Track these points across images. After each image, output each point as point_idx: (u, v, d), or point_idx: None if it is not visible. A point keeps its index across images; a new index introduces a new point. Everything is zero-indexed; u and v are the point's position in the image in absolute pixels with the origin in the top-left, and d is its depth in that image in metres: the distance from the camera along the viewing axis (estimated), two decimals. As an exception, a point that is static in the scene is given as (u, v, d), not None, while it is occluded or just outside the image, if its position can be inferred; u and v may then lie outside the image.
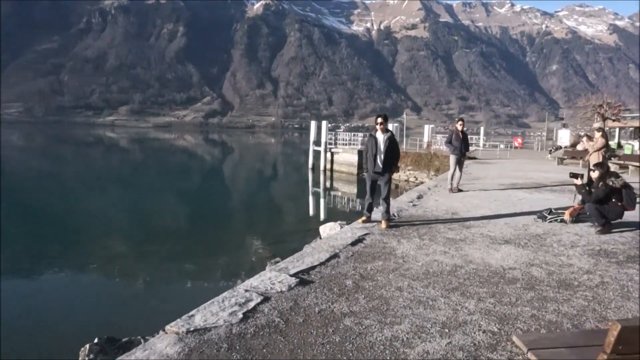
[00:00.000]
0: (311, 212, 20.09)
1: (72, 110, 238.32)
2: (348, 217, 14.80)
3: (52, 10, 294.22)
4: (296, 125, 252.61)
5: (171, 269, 10.67)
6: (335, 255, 5.30)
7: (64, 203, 21.15)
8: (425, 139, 31.01)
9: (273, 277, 4.41)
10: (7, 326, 7.15)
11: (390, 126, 7.97)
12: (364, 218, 7.18)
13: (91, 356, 3.83)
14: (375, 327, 3.43)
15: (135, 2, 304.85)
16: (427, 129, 32.58)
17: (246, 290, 4.06)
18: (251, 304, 3.76)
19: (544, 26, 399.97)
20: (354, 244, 5.85)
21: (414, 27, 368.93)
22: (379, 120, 6.83)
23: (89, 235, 14.39)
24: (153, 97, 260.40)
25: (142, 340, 4.09)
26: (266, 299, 3.92)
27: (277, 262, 8.32)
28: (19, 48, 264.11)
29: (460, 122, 11.19)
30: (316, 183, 27.58)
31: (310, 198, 23.64)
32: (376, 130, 6.89)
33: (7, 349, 6.39)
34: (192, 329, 3.29)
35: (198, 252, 12.15)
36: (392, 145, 6.84)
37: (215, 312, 3.56)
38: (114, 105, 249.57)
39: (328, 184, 27.09)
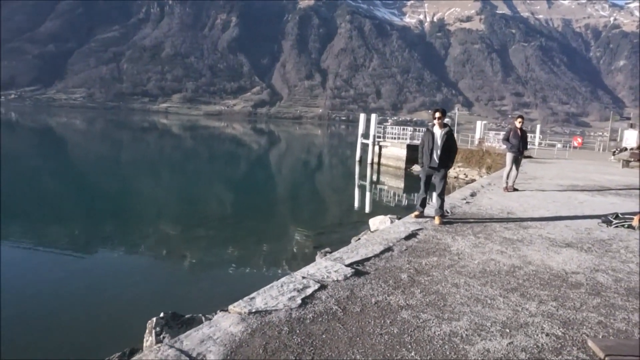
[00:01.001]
0: (356, 204, 20.11)
1: (130, 97, 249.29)
2: (395, 211, 14.71)
3: (115, 1, 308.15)
4: (343, 118, 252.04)
5: (224, 253, 11.04)
6: (389, 249, 5.29)
7: (122, 185, 22.31)
8: (477, 135, 30.10)
9: (329, 266, 4.48)
10: (79, 298, 7.69)
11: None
12: (416, 213, 7.11)
13: (157, 329, 4.08)
14: (433, 322, 3.42)
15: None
16: (479, 125, 31.60)
17: (303, 277, 4.15)
18: (309, 291, 3.84)
19: (612, 19, 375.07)
20: (407, 238, 5.82)
21: (469, 19, 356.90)
22: (437, 114, 6.73)
23: (146, 217, 15.12)
24: (205, 86, 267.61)
25: (202, 318, 4.30)
26: (323, 286, 3.99)
27: (328, 251, 8.44)
28: (83, 37, 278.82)
29: (519, 120, 10.79)
30: (363, 176, 27.52)
31: (356, 191, 23.65)
32: (433, 124, 6.79)
33: (81, 319, 6.88)
34: (253, 310, 3.41)
35: (248, 238, 12.49)
36: (450, 141, 6.71)
37: (275, 296, 3.68)
38: (168, 93, 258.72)
39: (375, 178, 26.94)
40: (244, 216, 15.96)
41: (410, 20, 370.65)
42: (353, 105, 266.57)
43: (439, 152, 6.70)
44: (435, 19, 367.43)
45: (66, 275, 9.05)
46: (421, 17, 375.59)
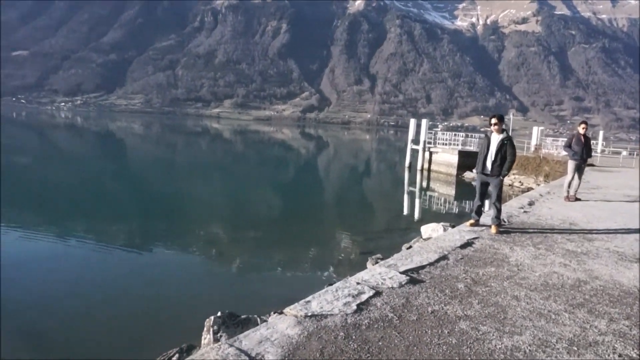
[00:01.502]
0: (405, 211, 19.83)
1: (184, 102, 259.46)
2: (446, 219, 14.36)
3: (171, 10, 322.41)
4: (392, 123, 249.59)
5: (274, 255, 11.21)
6: (444, 257, 5.18)
7: (176, 187, 23.21)
8: (533, 141, 28.85)
9: (383, 273, 4.44)
10: (138, 294, 8.07)
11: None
12: (472, 221, 6.91)
13: (215, 327, 4.21)
14: (493, 335, 3.30)
15: (243, 1, 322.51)
16: (535, 130, 30.28)
17: (358, 283, 4.14)
18: (364, 297, 3.83)
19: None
20: (463, 247, 5.67)
21: (524, 21, 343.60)
22: (493, 120, 6.53)
23: (200, 217, 15.64)
24: (255, 91, 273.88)
25: (258, 319, 4.39)
26: (378, 293, 3.96)
27: (379, 258, 8.38)
28: (142, 45, 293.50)
29: (583, 125, 10.24)
30: (412, 182, 27.10)
31: (405, 197, 23.34)
32: (491, 131, 6.59)
33: (139, 313, 7.21)
34: (309, 314, 3.44)
35: (297, 241, 12.62)
36: (506, 148, 6.48)
37: (330, 301, 3.69)
38: (220, 98, 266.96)
39: (424, 184, 26.45)
40: (293, 219, 16.16)
41: (462, 23, 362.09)
42: (402, 110, 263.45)
43: (492, 159, 6.49)
44: (488, 22, 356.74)
45: (125, 271, 9.52)
46: (473, 20, 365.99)
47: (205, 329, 4.36)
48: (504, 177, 6.63)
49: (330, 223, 16.15)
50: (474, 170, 7.11)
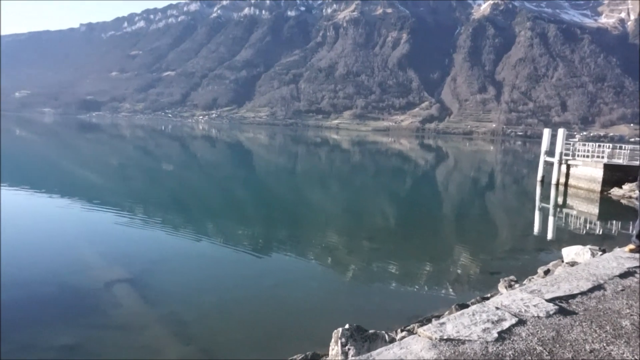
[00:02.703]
0: (537, 229, 18.06)
1: (305, 114, 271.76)
2: (586, 240, 12.71)
3: (296, 28, 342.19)
4: (519, 133, 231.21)
5: (397, 269, 10.94)
6: (599, 287, 4.49)
7: (298, 194, 24.22)
8: None
9: (526, 299, 3.98)
10: (263, 297, 8.47)
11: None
12: (632, 246, 5.94)
13: (343, 340, 4.19)
14: (677, 389, 2.72)
15: (364, 14, 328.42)
16: None
17: (497, 308, 3.76)
18: (505, 324, 3.45)
19: None
20: (623, 276, 4.87)
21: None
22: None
23: (319, 225, 16.04)
24: (374, 102, 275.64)
25: (385, 335, 4.27)
26: (521, 321, 3.54)
27: (513, 280, 7.67)
28: (269, 62, 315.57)
29: None
30: (545, 198, 24.68)
31: (537, 214, 21.27)
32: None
33: (264, 317, 7.55)
34: (445, 337, 3.20)
35: (420, 255, 12.20)
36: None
37: (467, 325, 3.39)
38: (340, 110, 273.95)
39: (560, 200, 23.89)
40: (414, 232, 15.72)
41: (607, 20, 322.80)
42: (532, 119, 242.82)
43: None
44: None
45: (253, 274, 10.09)
46: (622, 15, 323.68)
47: (332, 340, 4.36)
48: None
49: (453, 238, 15.37)
50: (627, 187, 6.11)
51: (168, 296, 8.15)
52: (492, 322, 3.47)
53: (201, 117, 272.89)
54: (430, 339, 3.18)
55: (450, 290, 9.28)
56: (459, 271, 10.91)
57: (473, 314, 3.61)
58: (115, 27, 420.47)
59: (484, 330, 3.33)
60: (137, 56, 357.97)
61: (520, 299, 4.00)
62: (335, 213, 19.25)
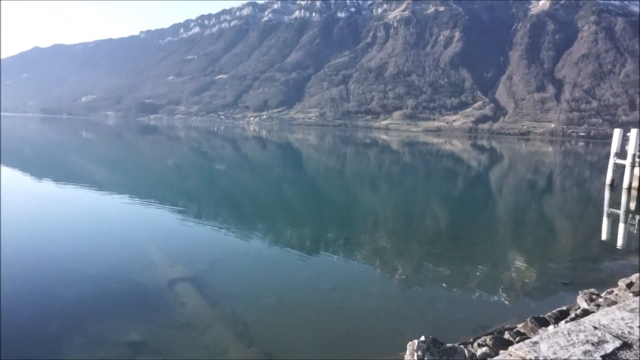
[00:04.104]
0: (606, 236, 16.79)
1: (354, 115, 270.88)
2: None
3: (346, 29, 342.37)
4: (582, 133, 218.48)
5: (459, 276, 10.46)
6: None
7: (353, 198, 24.00)
8: None
9: (627, 319, 3.59)
10: (328, 301, 8.35)
11: None
12: None
13: (419, 353, 3.97)
14: None
15: (416, 13, 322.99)
16: None
17: (595, 328, 3.41)
18: (608, 347, 3.10)
19: None
20: None
21: None
22: None
23: (371, 229, 15.75)
24: (425, 102, 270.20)
25: (465, 350, 4.00)
26: (626, 345, 3.18)
27: (594, 293, 7.09)
28: (320, 63, 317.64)
29: None
30: (615, 203, 23.00)
31: (605, 220, 19.81)
32: None
33: (330, 321, 7.42)
34: (540, 358, 2.91)
35: (484, 262, 11.63)
36: None
37: (564, 346, 3.08)
38: (389, 110, 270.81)
39: (632, 206, 22.18)
40: (473, 237, 15.06)
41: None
42: (595, 118, 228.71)
43: None
44: None
45: (308, 276, 9.98)
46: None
47: (407, 352, 4.15)
48: None
49: (515, 243, 14.60)
50: None
51: (228, 296, 8.23)
52: (592, 344, 3.13)
53: (252, 118, 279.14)
54: (524, 359, 2.91)
55: (520, 300, 8.75)
56: (526, 279, 10.28)
57: (569, 334, 3.28)
58: (172, 33, 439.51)
59: (584, 352, 3.00)
60: (192, 60, 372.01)
61: (620, 318, 3.61)
62: (388, 216, 18.89)
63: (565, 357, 2.94)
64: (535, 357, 2.91)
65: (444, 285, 9.73)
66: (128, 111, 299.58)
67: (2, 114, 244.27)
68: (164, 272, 9.31)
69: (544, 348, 3.05)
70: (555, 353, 2.98)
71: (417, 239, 14.27)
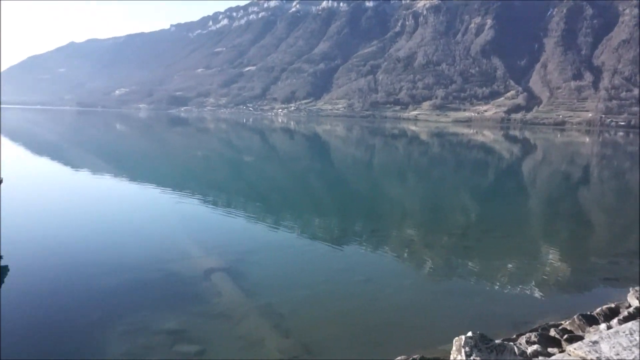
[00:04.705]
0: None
1: (383, 105, 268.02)
2: None
3: (374, 19, 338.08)
4: (622, 123, 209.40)
5: (498, 270, 10.18)
6: None
7: (378, 188, 23.76)
8: None
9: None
10: (368, 296, 8.27)
11: None
12: None
13: (467, 349, 3.84)
14: None
15: (446, 1, 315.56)
16: None
17: (659, 327, 3.20)
18: (675, 349, 2.90)
19: None
20: None
21: None
22: None
23: (403, 221, 15.53)
24: (455, 92, 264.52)
25: (514, 348, 3.84)
26: (695, 346, 2.96)
27: (646, 290, 6.75)
28: (347, 54, 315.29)
29: None
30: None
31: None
32: None
33: (366, 317, 7.35)
34: (603, 358, 2.75)
35: (523, 256, 11.28)
36: None
37: (627, 347, 2.90)
38: (418, 101, 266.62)
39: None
40: (510, 230, 14.65)
41: None
42: (636, 107, 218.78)
43: None
44: None
45: (341, 268, 9.90)
46: None
47: (454, 348, 4.04)
48: None
49: (551, 238, 14.12)
50: None
51: (262, 287, 8.27)
52: (658, 345, 2.93)
53: (280, 110, 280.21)
54: (584, 359, 2.75)
55: (561, 295, 8.45)
56: (565, 274, 9.93)
57: (631, 333, 3.09)
58: (202, 25, 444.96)
59: (649, 354, 2.82)
60: (220, 53, 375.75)
61: (685, 317, 3.38)
62: (417, 207, 18.61)
63: (630, 358, 2.77)
64: (597, 357, 2.75)
65: (478, 278, 9.50)
66: (159, 104, 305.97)
67: (40, 107, 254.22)
68: (199, 262, 9.44)
69: (606, 348, 2.88)
70: (618, 354, 2.81)
71: (447, 230, 14.01)
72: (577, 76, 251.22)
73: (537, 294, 8.70)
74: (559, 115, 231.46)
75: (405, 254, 11.27)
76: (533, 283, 9.33)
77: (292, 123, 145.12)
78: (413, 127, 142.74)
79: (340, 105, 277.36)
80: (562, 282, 9.42)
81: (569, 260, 11.13)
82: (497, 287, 8.97)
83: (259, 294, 7.86)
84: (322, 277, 9.01)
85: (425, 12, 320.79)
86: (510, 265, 10.51)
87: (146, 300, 7.63)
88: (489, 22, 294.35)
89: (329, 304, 7.59)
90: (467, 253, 11.46)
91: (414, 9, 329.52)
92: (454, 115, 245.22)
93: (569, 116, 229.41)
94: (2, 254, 9.56)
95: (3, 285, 8.07)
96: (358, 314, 7.20)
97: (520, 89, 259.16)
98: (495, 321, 6.69)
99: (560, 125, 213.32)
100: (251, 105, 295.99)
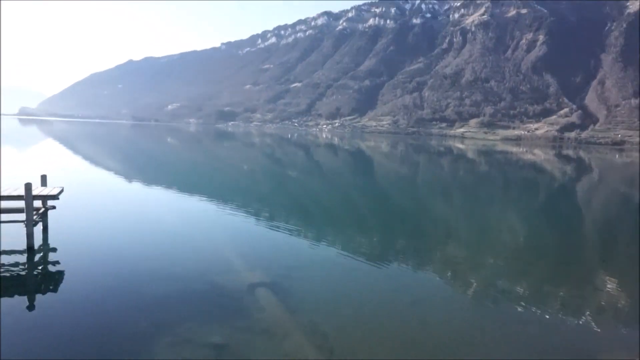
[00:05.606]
0: None
1: (429, 122, 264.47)
2: None
3: (421, 35, 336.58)
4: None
5: (550, 296, 9.62)
6: None
7: (423, 208, 23.24)
8: None
9: None
10: (408, 320, 8.03)
11: None
12: None
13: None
14: None
15: (495, 17, 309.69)
16: None
17: None
18: None
19: None
20: None
21: None
22: None
23: (450, 243, 15.05)
24: (504, 109, 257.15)
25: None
26: None
27: None
28: (393, 70, 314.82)
29: None
30: None
31: None
32: None
33: (414, 341, 7.11)
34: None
35: (577, 284, 10.64)
36: None
37: None
38: (465, 118, 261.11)
39: None
40: (558, 256, 13.87)
41: None
42: None
43: None
44: None
45: (387, 288, 9.68)
46: None
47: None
48: None
49: (609, 266, 13.21)
50: None
51: (306, 303, 8.20)
52: None
53: (325, 125, 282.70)
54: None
55: (626, 330, 7.82)
56: (628, 307, 9.21)
57: None
58: (251, 43, 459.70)
59: None
60: (268, 70, 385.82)
61: None
62: (465, 228, 18.01)
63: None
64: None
65: (531, 306, 8.99)
66: (208, 118, 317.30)
67: (98, 121, 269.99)
68: (243, 275, 9.52)
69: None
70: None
71: (496, 253, 13.44)
72: (638, 94, 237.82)
73: (596, 326, 8.11)
74: (618, 134, 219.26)
75: (453, 276, 10.89)
76: (590, 314, 8.73)
77: (335, 139, 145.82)
78: (459, 145, 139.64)
79: (384, 122, 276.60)
80: (622, 316, 8.76)
81: (629, 291, 10.37)
82: (552, 317, 8.46)
83: (302, 311, 7.80)
84: (368, 297, 8.83)
85: (473, 29, 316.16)
86: (565, 294, 9.91)
87: (192, 311, 7.75)
88: (542, 37, 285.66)
89: (375, 326, 7.41)
90: (519, 278, 10.93)
91: (462, 25, 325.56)
92: (502, 133, 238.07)
93: (629, 135, 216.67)
94: (59, 260, 10.05)
95: (59, 290, 8.45)
96: (406, 339, 6.98)
97: (574, 106, 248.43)
98: (552, 353, 6.27)
99: (618, 144, 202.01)
100: (296, 120, 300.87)
